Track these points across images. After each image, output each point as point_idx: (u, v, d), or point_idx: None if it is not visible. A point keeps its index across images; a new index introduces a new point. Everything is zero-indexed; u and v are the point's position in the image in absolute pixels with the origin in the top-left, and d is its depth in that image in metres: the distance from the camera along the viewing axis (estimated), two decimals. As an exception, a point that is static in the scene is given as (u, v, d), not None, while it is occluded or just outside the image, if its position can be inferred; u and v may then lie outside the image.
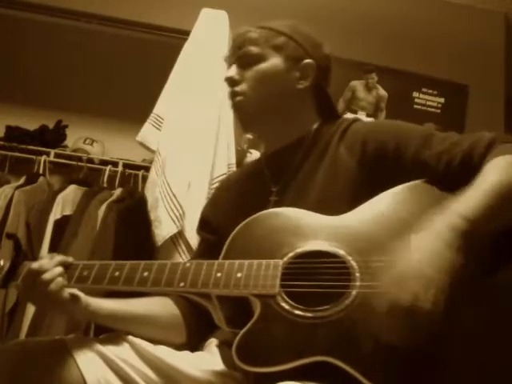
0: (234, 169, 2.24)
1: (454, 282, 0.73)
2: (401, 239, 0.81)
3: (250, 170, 1.23)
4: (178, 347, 1.00)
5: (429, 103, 2.75)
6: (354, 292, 0.81)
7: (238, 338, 0.80)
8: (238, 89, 1.09)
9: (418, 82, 2.75)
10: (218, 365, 0.98)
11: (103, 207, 2.29)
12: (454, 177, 0.90)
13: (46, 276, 0.90)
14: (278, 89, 1.10)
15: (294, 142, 1.11)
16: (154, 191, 2.05)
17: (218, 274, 0.88)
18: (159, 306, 1.05)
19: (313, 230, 0.92)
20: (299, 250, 0.89)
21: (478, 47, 2.79)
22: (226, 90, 1.14)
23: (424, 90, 2.75)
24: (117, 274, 0.93)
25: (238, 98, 1.09)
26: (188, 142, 2.07)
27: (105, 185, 2.57)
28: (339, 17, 2.61)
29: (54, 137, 2.86)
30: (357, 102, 2.73)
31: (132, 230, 2.19)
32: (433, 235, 0.78)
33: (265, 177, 1.12)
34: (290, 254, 0.89)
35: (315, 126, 1.12)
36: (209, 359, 0.99)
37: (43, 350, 0.89)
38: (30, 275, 0.91)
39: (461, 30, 2.80)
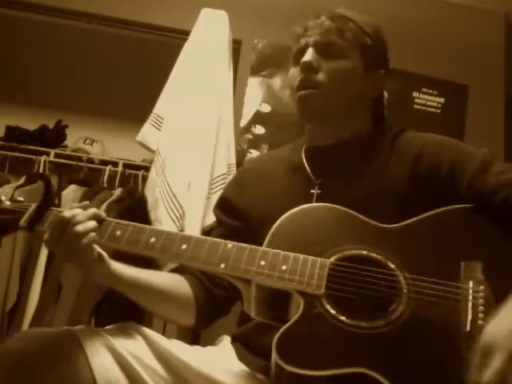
0: (234, 169, 2.24)
1: (489, 304, 0.72)
2: (451, 265, 0.81)
3: (286, 159, 1.16)
4: (184, 326, 0.98)
5: (429, 103, 2.74)
6: (400, 308, 0.80)
7: (279, 334, 0.78)
8: (315, 78, 1.04)
9: (418, 82, 2.74)
10: (234, 364, 0.96)
11: (103, 207, 2.28)
12: (508, 213, 0.88)
13: (79, 228, 0.87)
14: (351, 91, 1.07)
15: (342, 143, 1.08)
16: (154, 191, 2.05)
17: (262, 262, 0.85)
18: (174, 283, 1.03)
19: (363, 233, 0.90)
20: (347, 252, 0.86)
21: (478, 47, 2.78)
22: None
23: (424, 89, 2.75)
24: (152, 240, 0.90)
25: (313, 91, 1.04)
26: (188, 141, 2.07)
27: (105, 185, 2.57)
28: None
29: (54, 137, 2.86)
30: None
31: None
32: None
33: (305, 169, 1.08)
34: (338, 255, 0.86)
35: (366, 129, 1.10)
36: (224, 357, 0.98)
37: (53, 341, 0.86)
38: (60, 223, 0.88)
39: (461, 29, 2.80)
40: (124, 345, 0.89)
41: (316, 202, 1.01)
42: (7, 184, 2.47)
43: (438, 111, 2.74)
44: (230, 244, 0.89)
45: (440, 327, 0.78)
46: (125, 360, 0.87)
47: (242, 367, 0.96)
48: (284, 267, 0.84)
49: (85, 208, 0.92)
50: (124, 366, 0.87)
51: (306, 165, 1.10)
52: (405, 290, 0.82)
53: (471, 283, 0.80)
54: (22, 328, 2.07)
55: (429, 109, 2.74)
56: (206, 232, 2.00)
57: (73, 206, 0.93)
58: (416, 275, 0.83)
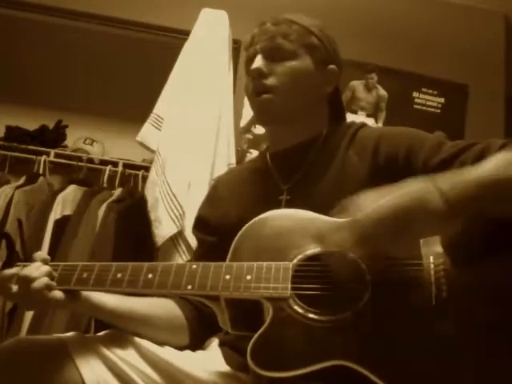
0: (234, 169, 2.24)
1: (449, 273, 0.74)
2: (414, 244, 0.82)
3: (252, 167, 1.19)
4: (179, 348, 0.99)
5: (429, 103, 2.75)
6: (366, 295, 0.81)
7: (252, 342, 0.78)
8: (267, 82, 1.05)
9: (418, 82, 2.75)
10: (222, 365, 0.97)
11: (103, 207, 2.29)
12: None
13: (33, 275, 0.87)
14: (306, 90, 1.08)
15: (304, 142, 1.10)
16: (154, 191, 2.05)
17: (227, 277, 0.86)
18: (162, 307, 1.03)
19: (322, 231, 0.90)
20: (308, 252, 0.88)
21: (477, 47, 2.78)
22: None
23: (424, 89, 2.75)
24: (119, 275, 0.90)
25: (267, 96, 1.05)
26: (188, 141, 2.07)
27: (105, 185, 2.57)
28: (339, 17, 2.61)
29: (54, 137, 2.87)
30: (357, 102, 2.73)
31: (132, 230, 2.19)
32: (404, 199, 0.77)
33: (272, 176, 1.10)
34: (300, 256, 0.87)
35: (326, 128, 1.12)
36: (212, 359, 0.99)
37: (42, 349, 0.87)
38: (19, 282, 0.88)
39: (461, 30, 2.80)
40: (112, 349, 0.89)
41: (284, 207, 1.02)
42: (7, 184, 2.48)
43: (438, 111, 2.74)
44: (194, 265, 0.90)
45: (406, 306, 0.78)
46: (114, 364, 0.88)
47: (227, 368, 0.97)
48: (249, 277, 0.86)
49: (46, 261, 0.92)
50: (114, 370, 0.87)
51: (272, 170, 1.11)
52: (368, 277, 0.82)
53: (431, 258, 0.81)
54: (21, 328, 2.07)
55: (429, 109, 2.74)
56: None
57: (35, 259, 0.92)
58: (378, 260, 0.83)
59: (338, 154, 1.06)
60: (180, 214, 1.96)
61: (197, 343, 1.05)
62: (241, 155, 2.48)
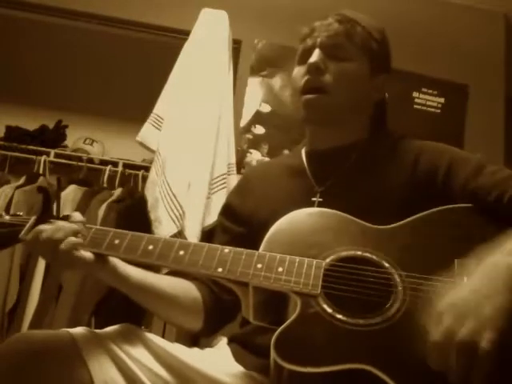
0: (234, 169, 2.24)
1: (497, 317, 0.71)
2: (445, 263, 0.82)
3: (287, 164, 1.17)
4: (190, 333, 0.98)
5: (429, 103, 2.74)
6: (396, 305, 0.81)
7: (277, 333, 0.78)
8: (322, 79, 1.04)
9: (418, 82, 2.75)
10: (231, 363, 0.97)
11: (103, 207, 2.29)
12: (501, 211, 0.89)
13: (57, 235, 0.87)
14: (358, 95, 1.08)
15: (344, 147, 1.09)
16: (154, 191, 2.05)
17: (259, 265, 0.86)
18: (183, 288, 1.03)
19: (358, 235, 0.91)
20: (342, 253, 0.87)
21: (478, 47, 2.78)
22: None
23: (424, 89, 2.75)
24: (151, 247, 0.90)
25: (319, 95, 1.04)
26: (188, 141, 2.07)
27: (105, 185, 2.57)
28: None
29: (54, 137, 2.87)
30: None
31: (132, 230, 2.18)
32: (490, 273, 0.76)
33: (306, 175, 1.09)
34: (333, 256, 0.87)
35: (366, 135, 1.11)
36: (221, 357, 0.99)
37: (51, 345, 0.86)
38: (40, 236, 0.88)
39: (461, 29, 2.80)
40: (121, 346, 0.89)
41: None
42: (7, 184, 2.47)
43: (438, 111, 2.74)
44: (226, 249, 0.90)
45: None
46: (122, 362, 0.87)
47: (238, 367, 0.97)
48: (280, 269, 0.85)
49: (84, 223, 0.92)
50: (121, 368, 0.87)
51: (307, 169, 1.10)
52: (400, 288, 0.83)
53: (465, 279, 0.80)
54: (22, 328, 2.07)
55: (429, 109, 2.74)
56: (206, 232, 2.00)
57: (72, 220, 0.92)
58: (411, 273, 0.84)
59: (375, 162, 1.06)
60: (180, 214, 1.96)
61: (209, 330, 1.05)
62: (241, 155, 2.48)
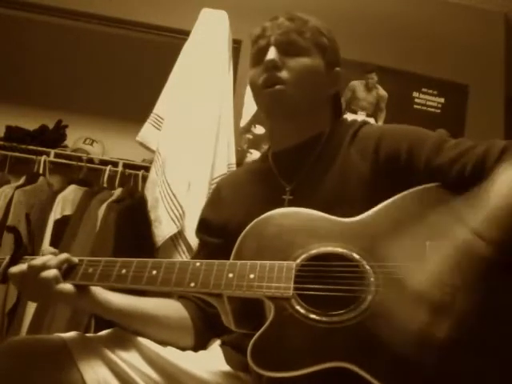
0: (234, 169, 2.24)
1: (470, 308, 0.73)
2: (416, 247, 0.82)
3: (255, 168, 1.19)
4: (183, 349, 0.99)
5: (429, 103, 2.75)
6: (369, 297, 0.81)
7: (252, 342, 0.78)
8: (280, 75, 1.05)
9: (418, 82, 2.75)
10: (223, 365, 0.97)
11: (103, 207, 2.28)
12: (466, 183, 0.89)
13: (46, 274, 0.88)
14: (314, 88, 1.09)
15: (306, 142, 1.10)
16: (154, 191, 2.05)
17: (230, 275, 0.87)
18: (168, 307, 1.03)
19: (326, 231, 0.91)
20: (312, 252, 0.88)
21: (478, 47, 2.78)
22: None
23: (424, 90, 2.75)
24: (124, 271, 0.91)
25: (279, 87, 1.05)
26: (188, 141, 2.07)
27: (105, 185, 2.57)
28: (338, 17, 2.61)
29: (54, 137, 2.87)
30: (357, 102, 2.73)
31: (132, 230, 2.19)
32: (449, 251, 0.77)
33: (274, 176, 1.10)
34: (303, 256, 0.87)
35: (327, 127, 1.12)
36: (213, 359, 0.99)
37: (42, 350, 0.87)
38: (30, 270, 0.89)
39: (461, 29, 2.80)
40: (113, 350, 0.89)
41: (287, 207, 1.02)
42: (7, 184, 2.47)
43: (438, 111, 2.74)
44: (198, 262, 0.90)
45: (408, 310, 0.78)
46: (114, 364, 0.88)
47: (227, 368, 0.97)
48: (252, 276, 0.86)
49: (56, 254, 0.93)
50: (114, 370, 0.88)
51: (274, 170, 1.11)
52: (372, 279, 0.82)
53: (431, 262, 0.80)
54: (21, 328, 2.07)
55: (429, 109, 2.74)
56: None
57: (42, 252, 0.93)
58: (382, 262, 0.84)
59: (339, 152, 1.06)
60: (180, 214, 1.96)
61: (201, 344, 1.05)
62: (241, 155, 2.48)
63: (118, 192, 2.43)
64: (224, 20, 2.28)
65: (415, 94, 2.74)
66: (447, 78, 2.75)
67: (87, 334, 0.94)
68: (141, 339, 0.93)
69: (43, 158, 2.61)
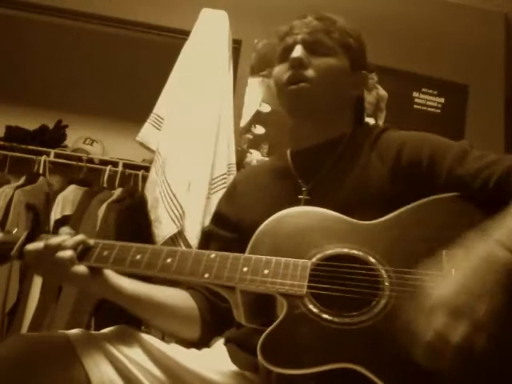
0: (234, 169, 2.24)
1: (489, 318, 0.71)
2: (433, 254, 0.81)
3: (272, 166, 1.19)
4: (188, 342, 0.99)
5: (429, 103, 2.74)
6: (383, 301, 0.81)
7: (263, 337, 0.78)
8: (305, 73, 1.05)
9: (418, 82, 2.74)
10: (227, 364, 0.97)
11: (103, 207, 2.29)
12: (488, 196, 0.89)
13: (65, 253, 0.88)
14: (339, 89, 1.09)
15: (327, 143, 1.10)
16: (154, 191, 2.05)
17: (245, 269, 0.86)
18: (177, 297, 1.03)
19: (344, 232, 0.91)
20: (328, 252, 0.87)
21: (478, 47, 2.78)
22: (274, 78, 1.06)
23: (424, 90, 2.75)
24: (138, 257, 0.91)
25: (304, 84, 1.05)
26: (188, 141, 2.07)
27: (105, 185, 2.57)
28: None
29: (54, 137, 2.86)
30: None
31: (132, 229, 2.19)
32: (472, 263, 0.76)
33: (292, 175, 1.10)
34: (319, 255, 0.87)
35: (349, 130, 1.12)
36: (218, 358, 0.99)
37: (46, 346, 0.87)
38: (46, 249, 0.89)
39: (461, 29, 2.80)
40: (118, 347, 0.89)
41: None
42: (7, 184, 2.47)
43: (438, 111, 2.74)
44: (213, 254, 0.90)
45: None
46: (119, 361, 0.87)
47: (233, 367, 0.97)
48: (266, 271, 0.86)
49: (72, 235, 0.93)
50: (118, 368, 0.87)
51: (292, 169, 1.11)
52: (387, 283, 0.82)
53: (453, 271, 0.80)
54: (22, 328, 2.07)
55: (429, 109, 2.74)
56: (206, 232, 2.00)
57: (59, 232, 0.94)
58: (398, 268, 0.84)
59: (360, 156, 1.06)
60: (180, 214, 1.96)
61: (207, 337, 1.05)
62: (241, 155, 2.48)
63: (118, 192, 2.43)
64: (224, 20, 2.28)
65: (415, 94, 2.74)
66: (447, 78, 2.75)
67: (91, 331, 0.93)
68: (145, 337, 0.92)
69: (43, 158, 2.61)
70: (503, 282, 0.74)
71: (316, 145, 1.10)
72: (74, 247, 0.90)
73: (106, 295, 0.96)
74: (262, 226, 0.93)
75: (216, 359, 0.98)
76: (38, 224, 0.95)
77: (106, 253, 0.92)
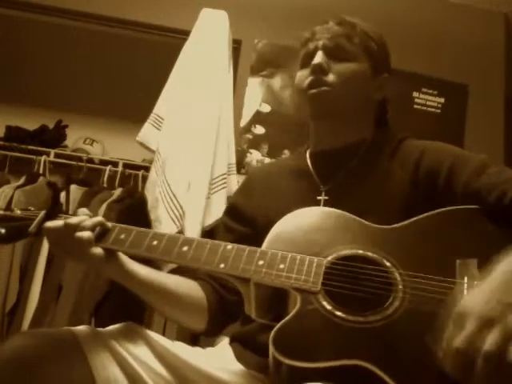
0: (234, 169, 2.24)
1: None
2: (449, 263, 0.82)
3: (291, 165, 1.19)
4: (193, 332, 0.99)
5: (429, 103, 2.74)
6: (396, 303, 0.81)
7: (276, 329, 0.79)
8: (326, 78, 1.07)
9: (418, 82, 2.74)
10: (233, 362, 0.97)
11: (103, 207, 2.29)
12: (504, 210, 0.89)
13: (84, 234, 0.89)
14: (360, 93, 1.10)
15: (348, 146, 1.11)
16: (154, 191, 2.05)
17: (260, 262, 0.87)
18: (188, 287, 1.04)
19: (360, 235, 0.91)
20: (343, 252, 0.88)
21: (478, 47, 2.78)
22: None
23: (424, 90, 2.75)
24: (155, 242, 0.91)
25: (325, 88, 1.06)
26: (188, 141, 2.07)
27: (105, 185, 2.57)
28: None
29: (54, 137, 2.87)
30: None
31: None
32: (501, 274, 0.75)
33: (311, 175, 1.11)
34: (334, 255, 0.88)
35: (370, 135, 1.13)
36: (223, 356, 0.99)
37: (52, 343, 0.87)
38: (66, 228, 0.90)
39: (461, 29, 2.80)
40: (123, 345, 0.89)
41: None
42: (7, 184, 2.47)
43: (438, 111, 2.74)
44: (229, 245, 0.91)
45: (434, 321, 0.78)
46: (124, 360, 0.88)
47: (239, 366, 0.97)
48: (282, 266, 0.86)
49: (90, 216, 0.94)
50: (123, 366, 0.88)
51: (311, 170, 1.12)
52: (400, 286, 0.83)
53: (466, 279, 0.81)
54: (22, 328, 2.07)
55: (429, 109, 2.74)
56: (206, 232, 2.00)
57: (78, 213, 0.94)
58: (412, 272, 0.85)
59: (380, 162, 1.07)
60: (180, 214, 1.96)
61: (212, 329, 1.05)
62: (241, 155, 2.48)
63: (118, 192, 2.43)
64: (224, 20, 2.28)
65: (415, 94, 2.74)
66: (447, 78, 2.75)
67: (98, 329, 0.93)
68: (151, 334, 0.93)
69: (43, 158, 2.61)
70: None
71: (336, 148, 1.11)
72: (92, 228, 0.91)
73: (119, 279, 0.96)
74: (279, 222, 0.94)
75: (221, 358, 0.99)
76: (57, 203, 0.95)
77: (123, 236, 0.93)
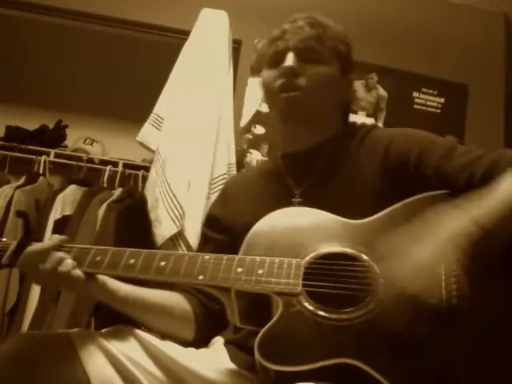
0: (234, 169, 2.24)
1: (461, 283, 0.75)
2: (421, 244, 0.83)
3: (265, 169, 1.20)
4: (184, 344, 0.99)
5: (429, 103, 2.74)
6: (377, 297, 0.82)
7: (260, 335, 0.79)
8: (297, 82, 1.06)
9: (418, 82, 2.74)
10: (227, 363, 0.97)
11: (103, 207, 2.28)
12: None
13: (53, 259, 0.89)
14: (330, 96, 1.10)
15: (317, 146, 1.10)
16: (154, 191, 2.05)
17: (239, 270, 0.87)
18: (172, 299, 1.04)
19: (336, 231, 0.92)
20: (321, 251, 0.88)
21: (478, 47, 2.78)
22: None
23: (424, 90, 2.75)
24: (132, 261, 0.91)
25: (295, 93, 1.05)
26: (188, 141, 2.07)
27: (105, 185, 2.57)
28: (338, 17, 2.60)
29: (54, 137, 2.87)
30: (357, 102, 2.73)
31: (132, 230, 2.19)
32: (446, 237, 0.80)
33: (284, 178, 1.11)
34: (312, 254, 0.88)
35: (338, 131, 1.13)
36: (217, 358, 0.99)
37: (47, 345, 0.88)
38: (39, 257, 0.90)
39: (461, 29, 2.80)
40: (118, 347, 0.90)
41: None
42: (7, 184, 2.47)
43: (438, 111, 2.74)
44: (207, 256, 0.91)
45: (416, 310, 0.79)
46: (119, 362, 0.88)
47: (233, 367, 0.97)
48: (261, 271, 0.86)
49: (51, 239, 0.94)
50: (118, 368, 0.88)
51: (284, 173, 1.12)
52: (381, 280, 0.83)
53: (442, 265, 0.82)
54: (21, 328, 2.07)
55: (429, 109, 2.74)
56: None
57: (51, 238, 0.94)
58: (391, 263, 0.84)
59: (349, 156, 1.07)
60: (180, 214, 1.96)
61: (200, 340, 1.05)
62: (241, 155, 2.48)
63: (117, 192, 2.43)
64: (224, 20, 2.28)
65: (415, 94, 2.74)
66: (447, 78, 2.75)
67: (92, 330, 0.95)
68: (145, 336, 0.93)
69: (43, 158, 2.61)
70: (474, 256, 0.78)
71: (307, 148, 1.11)
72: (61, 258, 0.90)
73: (102, 299, 0.97)
74: (255, 227, 0.94)
75: (215, 358, 0.99)
76: (29, 233, 0.94)
77: (98, 258, 0.92)
